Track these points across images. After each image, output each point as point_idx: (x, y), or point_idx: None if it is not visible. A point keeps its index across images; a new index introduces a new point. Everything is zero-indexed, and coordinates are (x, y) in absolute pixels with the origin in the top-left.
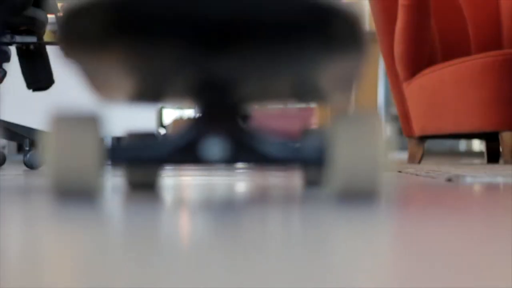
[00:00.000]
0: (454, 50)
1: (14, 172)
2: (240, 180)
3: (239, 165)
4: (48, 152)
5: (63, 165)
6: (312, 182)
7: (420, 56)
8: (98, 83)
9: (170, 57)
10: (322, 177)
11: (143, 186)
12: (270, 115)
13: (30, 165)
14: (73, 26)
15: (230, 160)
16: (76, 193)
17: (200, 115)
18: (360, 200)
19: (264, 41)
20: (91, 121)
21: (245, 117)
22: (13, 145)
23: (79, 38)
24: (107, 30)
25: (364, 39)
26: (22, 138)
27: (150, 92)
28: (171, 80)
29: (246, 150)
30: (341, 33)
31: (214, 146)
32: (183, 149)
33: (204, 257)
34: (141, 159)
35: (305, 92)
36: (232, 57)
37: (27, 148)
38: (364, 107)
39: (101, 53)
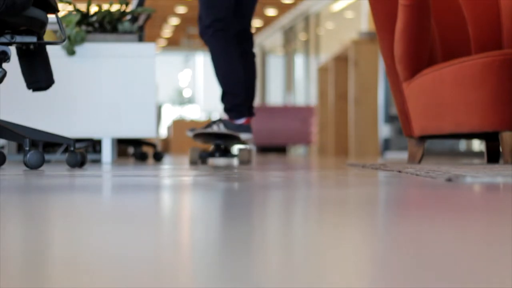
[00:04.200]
0: (454, 50)
1: (14, 172)
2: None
3: (225, 159)
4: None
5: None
6: (240, 162)
7: (420, 56)
8: (202, 142)
9: (214, 140)
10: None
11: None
12: (274, 113)
13: (30, 165)
14: (198, 136)
15: (221, 156)
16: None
17: (215, 148)
18: (361, 201)
19: (223, 138)
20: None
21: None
22: (13, 145)
23: (199, 138)
24: (202, 138)
25: (238, 139)
26: (22, 138)
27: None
28: (212, 143)
29: (225, 154)
30: (233, 139)
31: (219, 154)
32: (212, 153)
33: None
34: (209, 156)
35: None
36: (219, 140)
37: (27, 148)
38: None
39: (200, 140)
